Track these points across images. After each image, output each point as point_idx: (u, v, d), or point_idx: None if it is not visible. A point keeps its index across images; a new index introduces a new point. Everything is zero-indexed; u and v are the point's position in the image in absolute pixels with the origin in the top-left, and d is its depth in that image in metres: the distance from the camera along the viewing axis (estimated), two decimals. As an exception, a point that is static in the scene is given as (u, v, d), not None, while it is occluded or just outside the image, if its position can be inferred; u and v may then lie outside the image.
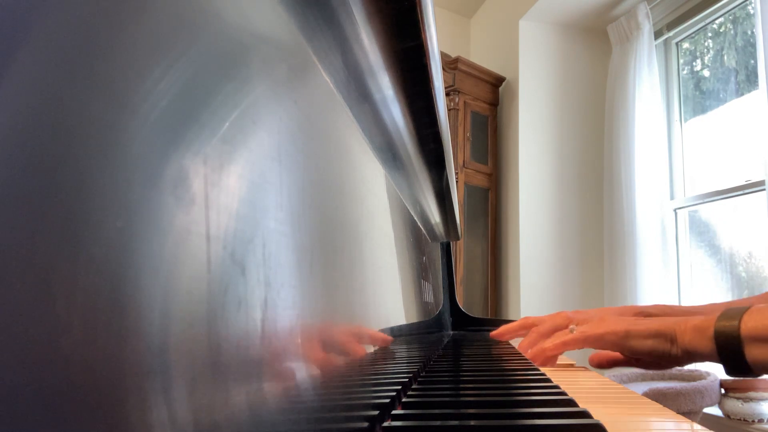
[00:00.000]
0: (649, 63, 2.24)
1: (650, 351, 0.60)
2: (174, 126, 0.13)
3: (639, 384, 1.70)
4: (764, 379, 1.64)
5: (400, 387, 0.43)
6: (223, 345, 0.15)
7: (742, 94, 2.06)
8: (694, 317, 0.58)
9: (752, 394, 1.65)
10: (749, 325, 0.52)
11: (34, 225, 0.09)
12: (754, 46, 1.95)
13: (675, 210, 2.25)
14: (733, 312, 0.55)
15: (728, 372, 0.54)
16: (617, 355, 0.72)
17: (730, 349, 0.53)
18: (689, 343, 0.57)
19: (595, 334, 0.65)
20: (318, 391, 0.23)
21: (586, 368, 0.74)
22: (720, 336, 0.54)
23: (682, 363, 0.59)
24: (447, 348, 0.90)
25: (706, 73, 2.27)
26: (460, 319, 1.32)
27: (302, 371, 0.21)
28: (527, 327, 0.87)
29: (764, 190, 1.75)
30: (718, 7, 2.12)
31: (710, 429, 0.36)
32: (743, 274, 2.02)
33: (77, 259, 0.10)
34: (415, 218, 0.72)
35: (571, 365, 0.76)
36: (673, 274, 2.20)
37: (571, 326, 0.70)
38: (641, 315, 0.80)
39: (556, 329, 0.79)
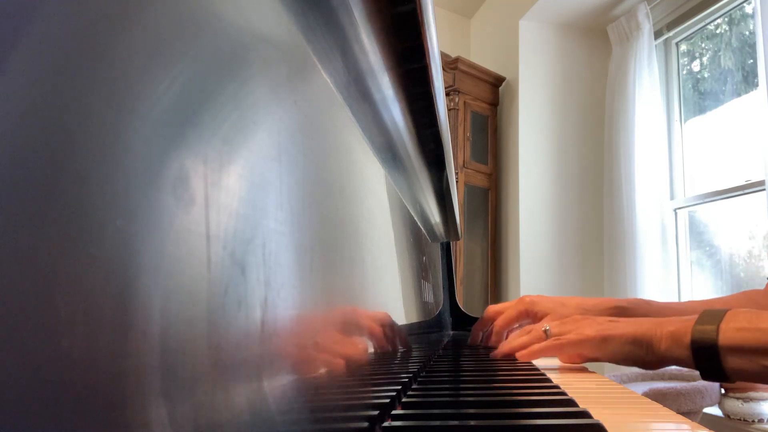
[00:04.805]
0: (649, 63, 2.24)
1: (626, 357, 0.60)
2: (174, 126, 0.13)
3: (639, 384, 1.70)
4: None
5: (400, 387, 0.43)
6: (222, 345, 0.15)
7: (742, 94, 2.07)
8: (671, 322, 0.57)
9: (752, 394, 1.64)
10: (727, 335, 0.51)
11: (34, 224, 0.09)
12: (753, 46, 1.95)
13: (675, 210, 2.25)
14: (709, 318, 0.53)
15: (704, 378, 0.54)
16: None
17: (707, 358, 0.52)
18: (666, 350, 0.56)
19: (571, 342, 0.63)
20: (318, 391, 0.23)
21: (585, 368, 0.74)
22: (697, 345, 0.53)
23: (656, 367, 0.59)
24: (447, 348, 0.90)
25: (705, 73, 2.27)
26: (460, 319, 1.32)
27: (302, 371, 0.21)
28: (491, 318, 0.86)
29: (764, 190, 1.75)
30: (717, 8, 2.12)
31: (710, 429, 0.36)
32: (742, 275, 2.02)
33: (77, 259, 0.10)
34: (415, 218, 0.72)
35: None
36: (672, 274, 2.20)
37: (544, 326, 0.68)
38: (616, 310, 0.78)
39: (519, 317, 0.77)
